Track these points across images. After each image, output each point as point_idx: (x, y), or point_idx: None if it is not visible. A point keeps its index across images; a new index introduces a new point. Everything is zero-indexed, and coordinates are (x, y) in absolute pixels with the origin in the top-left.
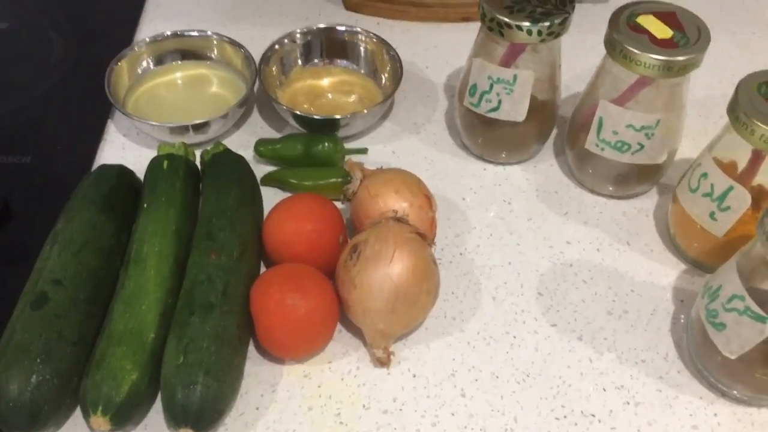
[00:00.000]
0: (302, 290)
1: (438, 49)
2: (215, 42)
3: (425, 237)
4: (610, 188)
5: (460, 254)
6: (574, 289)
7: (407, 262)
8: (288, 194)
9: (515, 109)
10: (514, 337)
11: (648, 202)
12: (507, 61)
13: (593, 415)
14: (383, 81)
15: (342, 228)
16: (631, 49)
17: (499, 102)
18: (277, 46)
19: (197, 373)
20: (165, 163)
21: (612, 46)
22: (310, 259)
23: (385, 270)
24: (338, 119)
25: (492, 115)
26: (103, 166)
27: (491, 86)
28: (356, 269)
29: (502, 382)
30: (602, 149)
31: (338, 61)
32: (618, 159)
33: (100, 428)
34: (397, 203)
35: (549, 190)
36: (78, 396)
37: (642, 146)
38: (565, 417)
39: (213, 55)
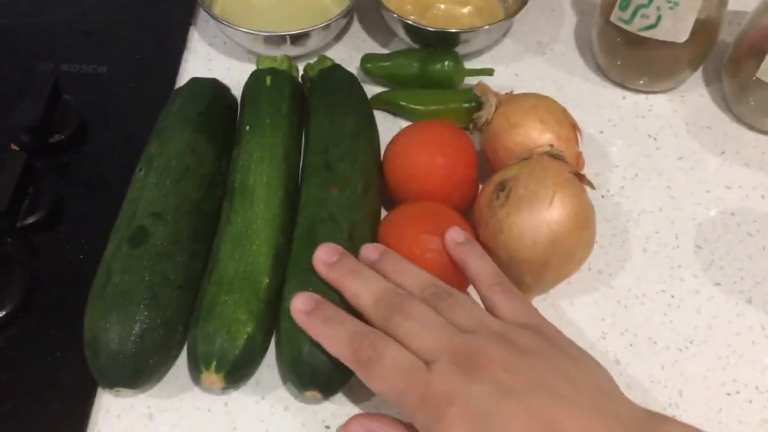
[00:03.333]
0: (443, 235)
1: None
2: None
3: (583, 178)
4: None
5: (602, 197)
6: (738, 242)
7: (569, 207)
8: (399, 119)
9: (677, 27)
10: (672, 296)
11: None
12: None
13: None
14: None
15: (476, 162)
16: None
17: (658, 18)
18: None
19: None
20: (268, 79)
21: None
22: (442, 198)
23: (543, 215)
24: (458, 33)
25: (646, 33)
26: (196, 80)
27: None
28: (505, 211)
29: (661, 349)
30: None
31: None
32: None
33: (213, 386)
34: (542, 135)
35: (701, 125)
36: (182, 347)
37: None
38: (737, 392)
39: None
